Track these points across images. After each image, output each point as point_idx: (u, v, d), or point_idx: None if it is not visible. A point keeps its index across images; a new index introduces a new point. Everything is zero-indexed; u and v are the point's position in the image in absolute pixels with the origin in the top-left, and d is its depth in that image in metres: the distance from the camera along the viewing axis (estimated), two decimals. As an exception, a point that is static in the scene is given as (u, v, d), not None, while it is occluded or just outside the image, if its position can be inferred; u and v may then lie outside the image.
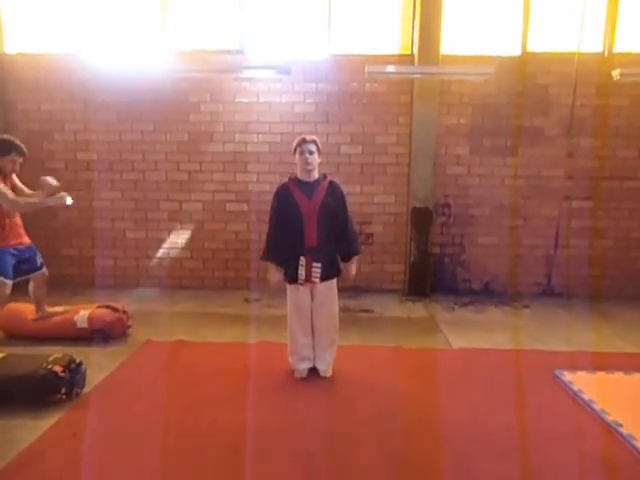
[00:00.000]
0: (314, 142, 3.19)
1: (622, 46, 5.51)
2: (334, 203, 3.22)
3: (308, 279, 3.21)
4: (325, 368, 3.42)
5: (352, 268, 3.40)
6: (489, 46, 5.56)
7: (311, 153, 3.16)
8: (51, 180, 3.82)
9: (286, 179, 3.31)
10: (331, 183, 3.28)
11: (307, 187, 3.21)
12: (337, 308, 3.41)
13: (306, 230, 3.17)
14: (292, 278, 3.24)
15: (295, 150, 3.21)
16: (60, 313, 4.14)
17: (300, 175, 3.24)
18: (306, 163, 3.16)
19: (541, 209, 5.75)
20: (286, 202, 3.21)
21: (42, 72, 5.67)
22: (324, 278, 3.24)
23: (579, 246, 5.78)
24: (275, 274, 3.30)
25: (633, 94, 5.48)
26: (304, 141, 3.17)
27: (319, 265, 3.19)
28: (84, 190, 5.82)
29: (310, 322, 3.38)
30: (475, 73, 5.11)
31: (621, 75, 4.91)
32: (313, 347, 3.42)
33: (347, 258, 3.37)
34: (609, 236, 5.75)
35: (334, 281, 3.35)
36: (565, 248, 5.78)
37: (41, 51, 5.69)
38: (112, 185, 5.85)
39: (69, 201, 3.76)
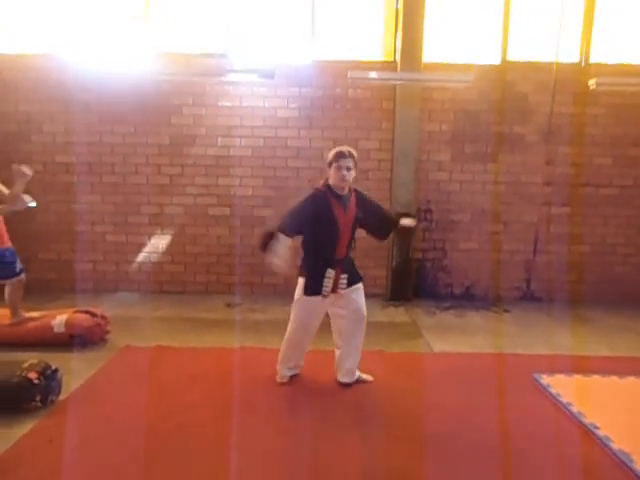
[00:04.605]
0: (352, 157, 3.06)
1: (598, 57, 5.65)
2: (363, 214, 3.17)
3: (334, 290, 3.15)
4: (349, 377, 3.38)
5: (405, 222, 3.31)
6: (470, 54, 5.65)
7: (348, 169, 3.03)
8: (24, 168, 3.67)
9: (320, 185, 3.16)
10: (357, 194, 3.20)
11: (342, 200, 3.11)
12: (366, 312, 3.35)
13: (339, 243, 3.11)
14: (314, 290, 3.13)
15: (331, 163, 3.07)
16: (37, 318, 4.04)
17: (334, 187, 3.11)
18: (343, 180, 3.03)
19: (521, 215, 5.85)
20: (324, 212, 3.05)
21: (20, 73, 5.55)
22: (350, 284, 3.21)
23: (557, 251, 5.88)
24: (282, 250, 2.87)
25: (608, 103, 5.62)
26: (343, 155, 3.02)
27: (346, 276, 3.17)
28: (63, 193, 5.72)
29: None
30: (456, 81, 5.20)
31: (597, 85, 5.05)
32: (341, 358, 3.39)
33: (393, 228, 3.37)
34: (586, 242, 5.87)
35: (361, 285, 3.30)
36: (544, 253, 5.88)
37: (19, 51, 5.58)
38: (92, 188, 5.76)
39: (30, 203, 3.71)
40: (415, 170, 5.62)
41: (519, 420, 2.96)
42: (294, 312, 3.27)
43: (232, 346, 4.09)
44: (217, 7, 5.56)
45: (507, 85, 5.63)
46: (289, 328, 3.33)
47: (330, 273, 3.11)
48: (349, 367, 3.37)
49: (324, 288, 3.11)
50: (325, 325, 3.54)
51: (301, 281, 3.20)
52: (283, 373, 3.41)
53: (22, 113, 5.64)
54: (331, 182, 3.11)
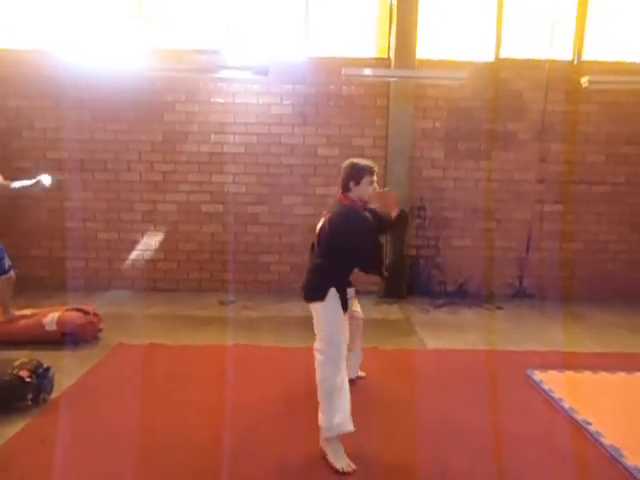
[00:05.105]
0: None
1: (591, 55, 5.67)
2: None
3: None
4: (353, 374, 3.37)
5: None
6: (464, 52, 5.65)
7: (374, 184, 2.93)
8: (45, 178, 3.70)
9: (349, 203, 2.82)
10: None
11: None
12: None
13: None
14: (346, 304, 2.77)
15: (362, 177, 2.80)
16: (28, 316, 4.01)
17: (359, 201, 2.86)
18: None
19: (514, 212, 5.87)
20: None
21: (10, 68, 5.49)
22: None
23: (550, 249, 5.91)
24: None
25: (601, 101, 5.64)
26: (374, 172, 2.87)
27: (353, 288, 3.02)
28: (54, 190, 5.62)
29: None
30: (449, 78, 5.20)
31: (590, 82, 5.07)
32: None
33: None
34: (578, 239, 5.90)
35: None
36: (537, 250, 5.91)
37: (9, 47, 5.51)
38: (84, 185, 5.71)
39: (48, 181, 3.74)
40: (409, 167, 5.62)
41: (511, 416, 2.98)
42: (336, 335, 2.67)
43: (226, 344, 4.08)
44: (211, 3, 5.52)
45: (501, 83, 5.64)
46: (335, 365, 2.64)
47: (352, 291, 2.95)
48: (354, 365, 3.39)
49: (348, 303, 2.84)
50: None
51: (332, 299, 2.68)
52: (342, 454, 2.51)
53: (12, 108, 5.57)
54: (357, 196, 2.83)
